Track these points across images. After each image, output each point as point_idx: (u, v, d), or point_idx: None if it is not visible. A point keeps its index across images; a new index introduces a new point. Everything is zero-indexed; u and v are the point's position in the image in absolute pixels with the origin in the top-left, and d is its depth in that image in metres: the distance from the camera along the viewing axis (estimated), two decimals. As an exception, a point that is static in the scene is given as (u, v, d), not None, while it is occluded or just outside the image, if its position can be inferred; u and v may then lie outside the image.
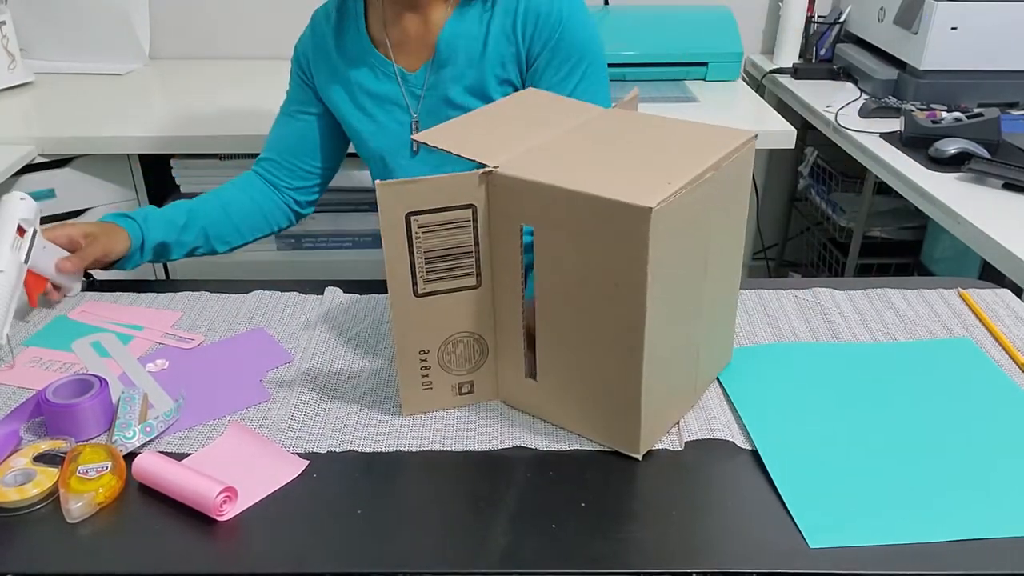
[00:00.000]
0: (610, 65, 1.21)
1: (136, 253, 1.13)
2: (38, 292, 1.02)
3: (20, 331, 1.02)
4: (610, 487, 0.77)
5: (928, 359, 0.95)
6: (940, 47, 1.80)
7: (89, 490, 0.73)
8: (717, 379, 0.92)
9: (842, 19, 2.18)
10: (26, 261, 0.97)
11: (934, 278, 1.18)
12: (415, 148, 1.21)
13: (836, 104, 1.90)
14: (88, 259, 1.05)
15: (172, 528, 0.72)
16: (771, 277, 2.51)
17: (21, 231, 0.98)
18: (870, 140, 1.70)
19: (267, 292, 1.10)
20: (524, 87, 1.18)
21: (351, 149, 1.32)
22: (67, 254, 1.05)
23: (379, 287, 1.11)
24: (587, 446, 0.82)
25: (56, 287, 1.06)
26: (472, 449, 0.82)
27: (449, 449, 0.82)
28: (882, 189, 1.84)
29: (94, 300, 1.08)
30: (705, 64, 2.06)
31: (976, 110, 1.70)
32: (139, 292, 1.10)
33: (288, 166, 1.27)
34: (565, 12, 1.13)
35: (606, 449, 0.82)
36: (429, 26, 1.16)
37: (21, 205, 0.99)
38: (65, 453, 0.78)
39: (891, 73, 1.92)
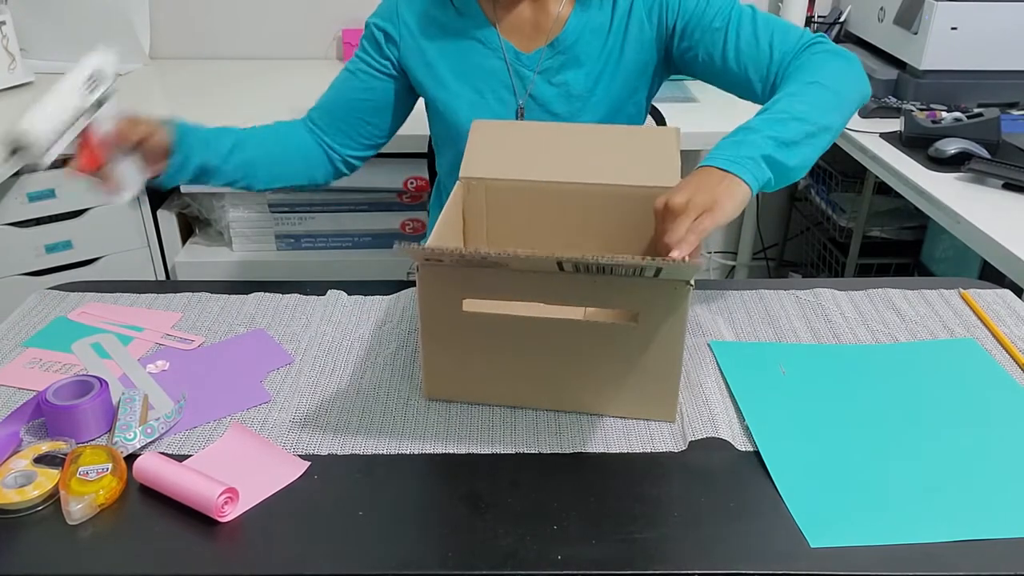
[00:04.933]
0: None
1: (179, 169, 1.06)
2: (91, 168, 0.95)
3: (19, 332, 1.02)
4: (611, 488, 0.77)
5: (931, 359, 0.95)
6: (940, 47, 1.80)
7: (90, 492, 0.73)
8: (723, 378, 0.92)
9: (842, 19, 2.18)
10: (92, 111, 0.91)
11: (935, 278, 1.18)
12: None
13: (836, 104, 1.90)
14: (138, 130, 0.98)
15: (173, 529, 0.72)
16: (771, 277, 2.51)
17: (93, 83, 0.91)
18: (870, 140, 1.70)
19: (267, 293, 1.10)
20: (674, 62, 1.20)
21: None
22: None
23: (380, 288, 1.11)
24: (588, 447, 0.82)
25: (107, 178, 0.97)
26: (474, 451, 0.82)
27: (451, 451, 0.82)
28: (882, 189, 1.84)
29: (94, 301, 1.08)
30: (705, 64, 2.05)
31: (976, 110, 1.69)
32: (139, 293, 1.10)
33: (338, 125, 1.24)
34: None
35: (607, 451, 0.82)
36: (546, 13, 1.18)
37: (100, 57, 0.91)
38: (66, 454, 0.78)
39: (891, 73, 1.92)
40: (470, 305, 0.83)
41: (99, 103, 0.93)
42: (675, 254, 0.80)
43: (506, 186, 1.00)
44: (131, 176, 0.99)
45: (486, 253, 0.75)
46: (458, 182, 1.00)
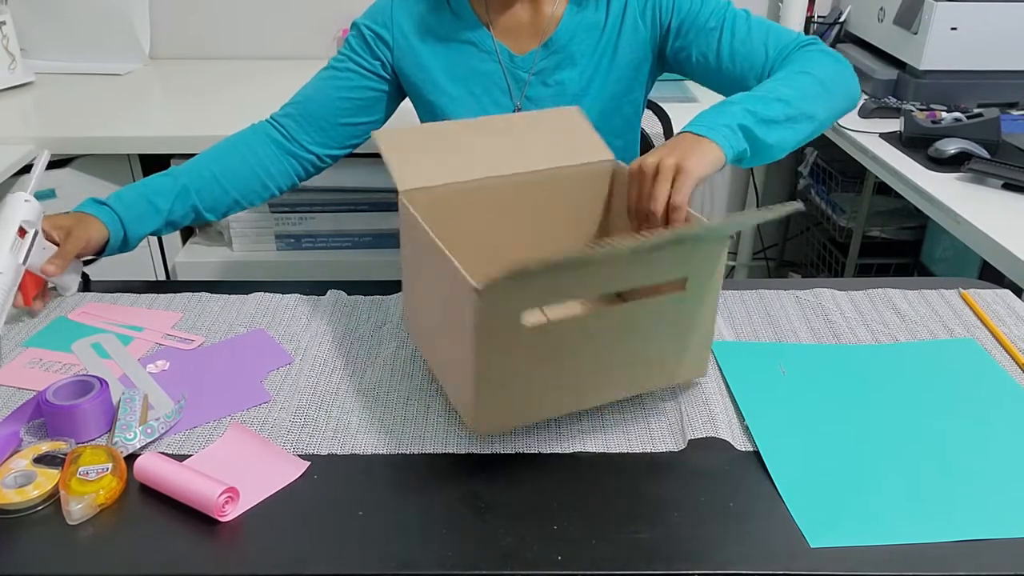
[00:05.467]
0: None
1: (119, 246, 1.10)
2: (34, 293, 1.02)
3: (19, 332, 1.02)
4: (611, 488, 0.77)
5: (931, 359, 0.95)
6: (940, 47, 1.80)
7: (90, 491, 0.73)
8: (723, 378, 0.92)
9: (842, 19, 2.18)
10: (24, 262, 0.98)
11: (935, 278, 1.18)
12: None
13: (836, 104, 1.90)
14: (69, 256, 1.02)
15: (173, 529, 0.72)
16: (771, 277, 2.51)
17: (22, 232, 0.98)
18: (870, 140, 1.70)
19: (267, 294, 1.10)
20: (667, 61, 1.21)
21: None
22: None
23: (380, 288, 1.11)
24: (588, 447, 0.82)
25: (51, 287, 1.06)
26: (474, 451, 0.82)
27: (451, 451, 0.82)
28: (882, 189, 1.84)
29: (94, 301, 1.08)
30: (705, 64, 2.05)
31: (976, 110, 1.70)
32: (139, 293, 1.10)
33: (318, 123, 1.21)
34: None
35: (607, 450, 0.82)
36: (540, 14, 1.18)
37: (24, 207, 0.99)
38: (66, 454, 0.78)
39: (891, 73, 1.92)
40: (530, 318, 0.75)
41: (30, 247, 0.99)
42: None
43: (450, 191, 0.94)
44: (70, 277, 1.06)
45: (573, 256, 0.72)
46: (400, 197, 0.91)
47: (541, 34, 1.19)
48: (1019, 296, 1.10)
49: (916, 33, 1.83)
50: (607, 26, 1.18)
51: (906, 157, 1.60)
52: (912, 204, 1.53)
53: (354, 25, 1.24)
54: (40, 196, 1.68)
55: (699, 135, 0.92)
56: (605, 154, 0.98)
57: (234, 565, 0.69)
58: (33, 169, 1.05)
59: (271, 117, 1.24)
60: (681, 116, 1.66)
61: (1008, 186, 1.44)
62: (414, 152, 0.97)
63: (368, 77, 1.22)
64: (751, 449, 0.82)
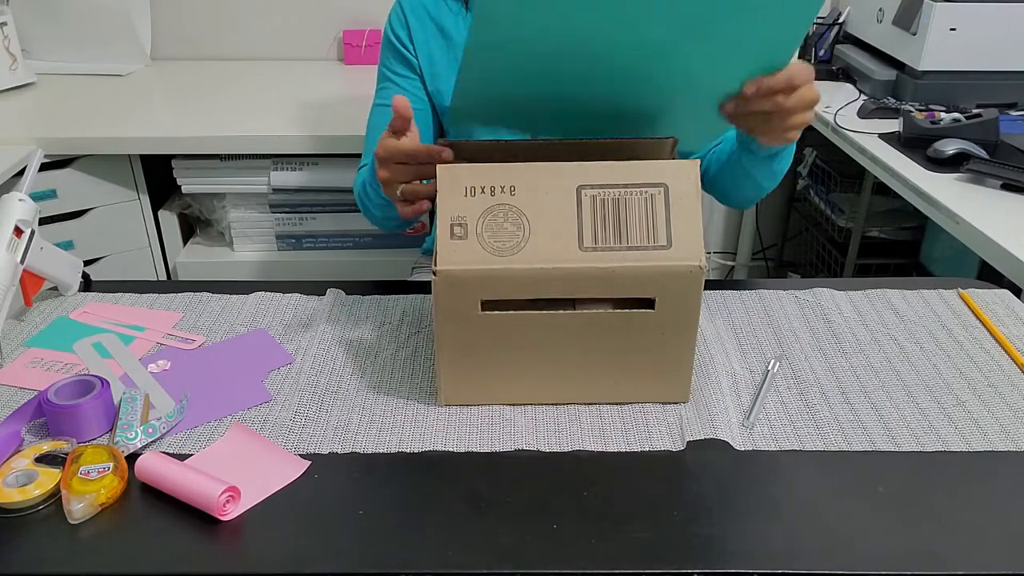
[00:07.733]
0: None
1: None
2: (34, 292, 1.03)
3: (21, 332, 1.02)
4: (611, 487, 0.77)
5: None
6: (939, 48, 1.80)
7: (91, 491, 0.73)
8: (720, 378, 0.92)
9: (841, 20, 2.19)
10: (22, 261, 0.98)
11: (934, 278, 1.18)
12: None
13: (835, 105, 1.91)
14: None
15: (174, 528, 0.72)
16: (770, 277, 2.52)
17: (19, 232, 0.98)
18: (869, 140, 1.70)
19: (268, 293, 1.10)
20: None
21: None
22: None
23: (380, 288, 1.11)
24: (587, 446, 0.82)
25: (52, 287, 1.07)
26: (473, 450, 0.82)
27: (451, 450, 0.82)
28: (881, 189, 1.84)
29: (95, 301, 1.09)
30: (705, 65, 2.06)
31: (975, 111, 1.70)
32: (140, 293, 1.11)
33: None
34: None
35: (606, 449, 0.82)
36: None
37: (19, 206, 0.99)
38: (67, 454, 0.78)
39: (890, 74, 1.92)
40: (488, 306, 0.83)
41: (27, 246, 1.00)
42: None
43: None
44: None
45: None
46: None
47: None
48: (1018, 296, 1.10)
49: (915, 34, 1.83)
50: None
51: (905, 157, 1.60)
52: (911, 204, 1.53)
53: (384, 37, 1.23)
54: (40, 196, 1.70)
55: None
56: None
57: (235, 564, 0.69)
58: (27, 169, 1.05)
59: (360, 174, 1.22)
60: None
61: (1007, 186, 1.45)
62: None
63: (415, 83, 1.21)
64: (751, 449, 0.82)
